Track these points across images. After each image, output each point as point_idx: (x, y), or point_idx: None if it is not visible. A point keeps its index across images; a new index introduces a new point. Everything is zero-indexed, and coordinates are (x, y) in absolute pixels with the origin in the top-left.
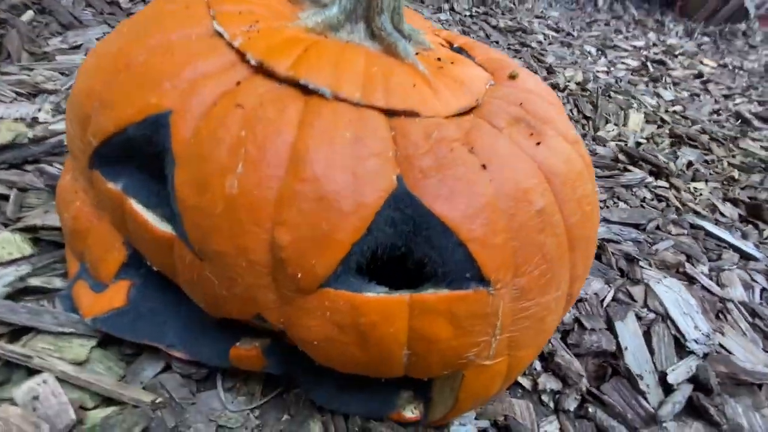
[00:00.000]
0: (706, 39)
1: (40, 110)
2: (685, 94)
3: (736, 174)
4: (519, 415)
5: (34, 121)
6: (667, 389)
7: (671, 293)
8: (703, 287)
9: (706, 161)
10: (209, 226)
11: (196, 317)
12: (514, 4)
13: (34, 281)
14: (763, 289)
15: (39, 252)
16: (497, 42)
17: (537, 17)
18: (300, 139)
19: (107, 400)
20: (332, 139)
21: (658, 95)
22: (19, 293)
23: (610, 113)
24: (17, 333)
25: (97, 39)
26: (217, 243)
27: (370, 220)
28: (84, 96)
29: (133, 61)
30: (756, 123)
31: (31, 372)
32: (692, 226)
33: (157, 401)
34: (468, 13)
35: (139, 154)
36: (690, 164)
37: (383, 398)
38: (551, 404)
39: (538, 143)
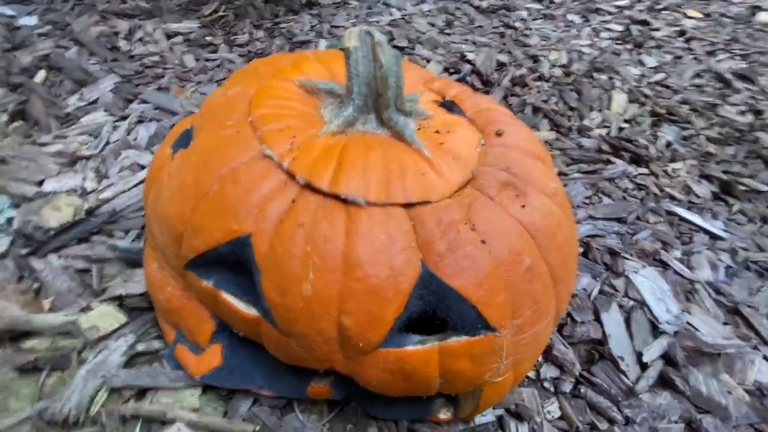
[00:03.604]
0: None
1: (84, 179)
2: (668, 57)
3: (712, 149)
4: (527, 401)
5: (83, 191)
6: (644, 367)
7: (647, 282)
8: (676, 272)
9: (684, 138)
10: (292, 317)
11: (275, 365)
12: None
13: (140, 347)
14: (727, 267)
15: (130, 318)
16: (481, 26)
17: None
18: (349, 247)
19: None
20: (372, 242)
21: (642, 63)
22: (131, 359)
23: (593, 99)
24: (142, 392)
25: (110, 91)
26: (299, 328)
27: (406, 300)
28: (176, 220)
29: (210, 191)
30: (736, 84)
31: (163, 423)
32: (668, 212)
33: (257, 429)
34: None
35: (227, 261)
36: (669, 144)
37: (423, 406)
38: (552, 388)
39: (523, 206)
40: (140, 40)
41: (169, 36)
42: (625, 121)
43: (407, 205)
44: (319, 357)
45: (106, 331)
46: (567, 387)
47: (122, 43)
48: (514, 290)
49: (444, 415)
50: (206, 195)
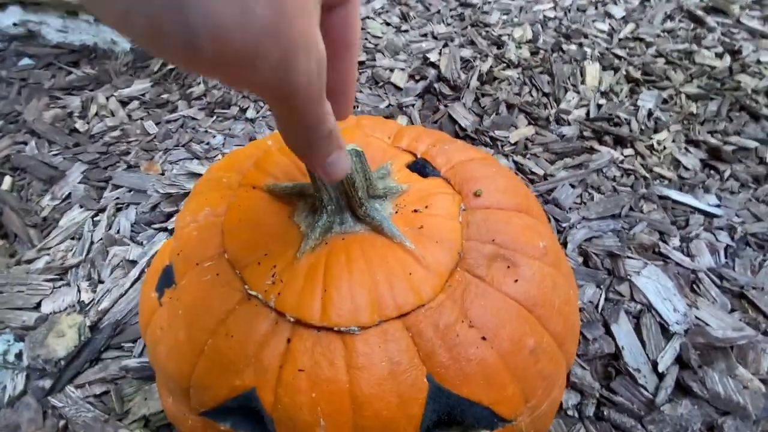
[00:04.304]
0: None
1: (79, 291)
2: (635, 1)
3: (694, 108)
4: None
5: (82, 306)
6: (661, 376)
7: (651, 282)
8: (677, 263)
9: (665, 101)
10: None
11: None
12: None
13: None
14: (727, 246)
15: None
16: (438, 11)
17: None
18: (353, 384)
19: None
20: (374, 372)
21: (609, 15)
22: None
23: (566, 77)
24: None
25: (79, 182)
26: None
27: (419, 421)
28: (178, 376)
29: (204, 347)
30: (709, 20)
31: None
32: (660, 197)
33: None
34: None
35: (238, 410)
36: (650, 113)
37: None
38: (576, 414)
39: (516, 280)
40: (96, 115)
41: (123, 103)
42: (602, 94)
43: (402, 316)
44: None
45: None
46: (590, 410)
47: (79, 123)
48: (522, 377)
49: None
50: (202, 352)
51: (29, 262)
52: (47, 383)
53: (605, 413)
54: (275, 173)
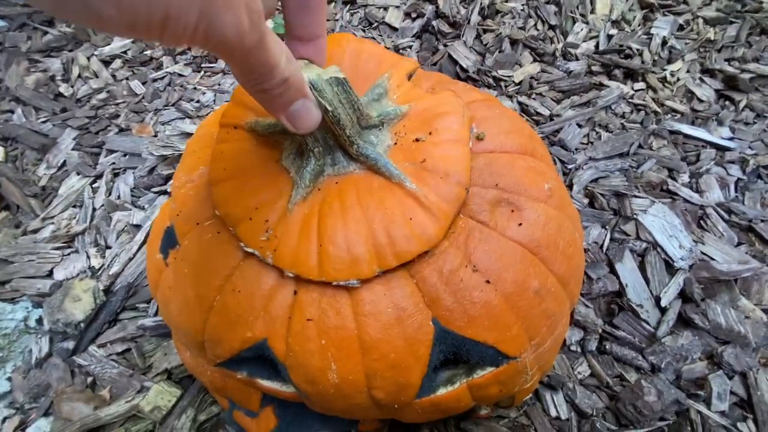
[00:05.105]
0: None
1: (88, 257)
2: None
3: (712, 34)
4: (557, 368)
5: (93, 271)
6: (663, 310)
7: (657, 220)
8: (685, 200)
9: (681, 27)
10: (327, 400)
11: None
12: None
13: (202, 416)
14: (738, 180)
15: (183, 387)
16: None
17: None
18: (361, 330)
19: None
20: (381, 318)
21: None
22: (199, 430)
23: (575, 6)
24: None
25: (73, 149)
26: (336, 406)
27: (427, 362)
28: (191, 331)
29: (213, 303)
30: None
31: None
32: (671, 132)
33: None
34: None
35: (252, 359)
36: (665, 42)
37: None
38: (578, 349)
39: (520, 224)
40: (80, 77)
41: (106, 63)
42: (613, 23)
43: (405, 264)
44: (361, 415)
45: (167, 408)
46: (593, 345)
47: (63, 87)
48: (526, 317)
49: (484, 411)
50: (211, 308)
51: (35, 231)
52: (70, 345)
53: (607, 347)
54: (254, 106)
